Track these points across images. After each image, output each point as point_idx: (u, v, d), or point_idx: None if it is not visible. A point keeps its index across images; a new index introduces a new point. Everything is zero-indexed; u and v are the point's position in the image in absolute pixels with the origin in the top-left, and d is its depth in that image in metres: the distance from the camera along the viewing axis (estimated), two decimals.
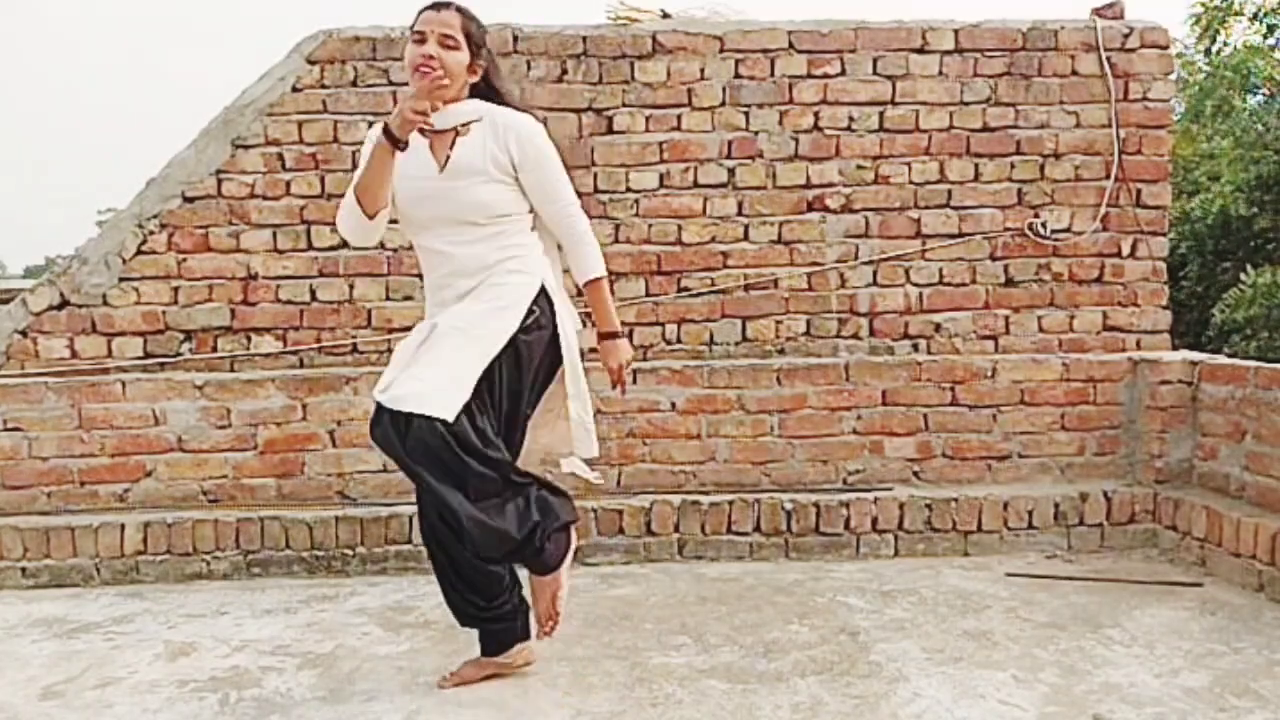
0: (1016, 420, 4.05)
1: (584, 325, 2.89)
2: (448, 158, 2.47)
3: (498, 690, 2.62)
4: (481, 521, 2.41)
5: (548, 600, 2.68)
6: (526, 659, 2.70)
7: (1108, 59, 4.22)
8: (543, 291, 2.55)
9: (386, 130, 2.36)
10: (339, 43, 4.13)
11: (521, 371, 2.51)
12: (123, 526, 3.71)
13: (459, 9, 2.46)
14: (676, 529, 3.85)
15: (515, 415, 2.56)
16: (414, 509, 3.73)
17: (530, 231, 2.60)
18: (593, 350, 2.78)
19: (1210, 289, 8.49)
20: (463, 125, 2.48)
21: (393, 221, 2.62)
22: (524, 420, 2.61)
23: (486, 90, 2.56)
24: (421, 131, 2.45)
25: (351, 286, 4.16)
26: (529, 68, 4.13)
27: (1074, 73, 4.24)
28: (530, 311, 2.49)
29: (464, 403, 2.37)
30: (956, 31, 4.23)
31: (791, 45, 4.20)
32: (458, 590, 2.58)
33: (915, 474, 4.05)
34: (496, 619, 2.62)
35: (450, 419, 2.35)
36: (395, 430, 2.38)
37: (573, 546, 2.72)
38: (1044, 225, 4.25)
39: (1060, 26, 4.25)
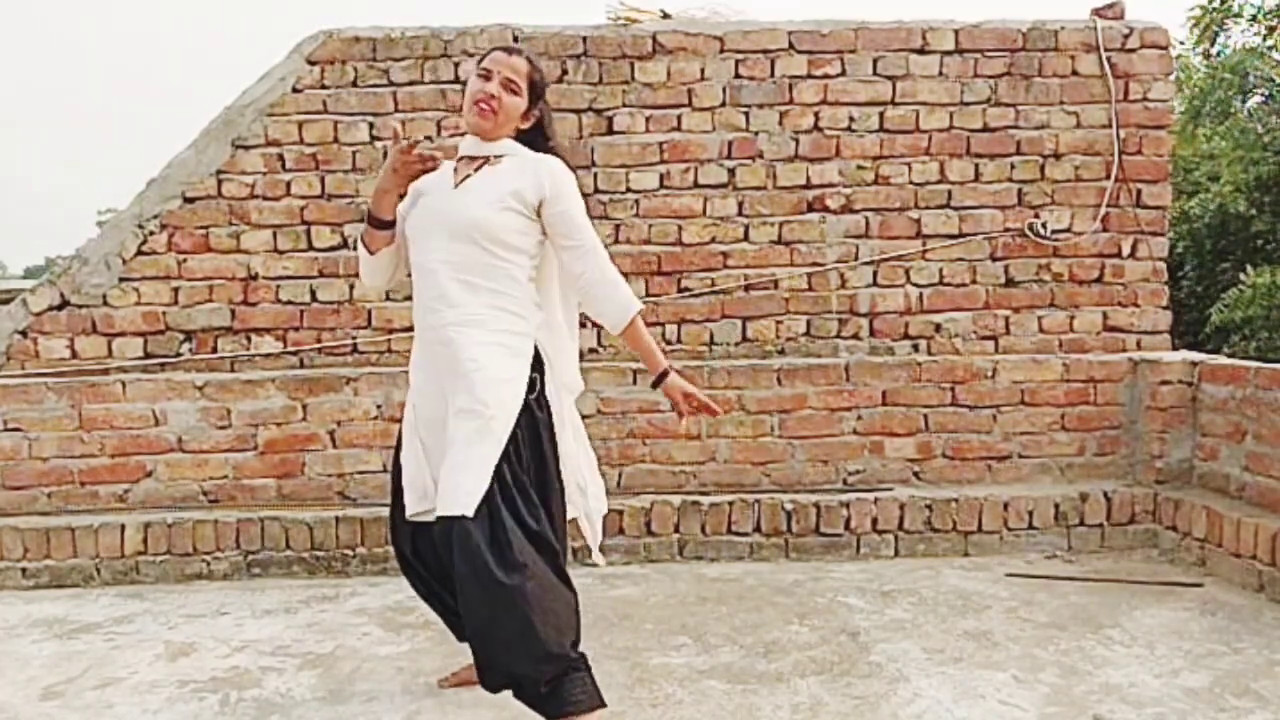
0: (1017, 420, 4.05)
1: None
2: (467, 177, 2.43)
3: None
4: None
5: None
6: None
7: (1108, 59, 4.22)
8: (536, 355, 2.40)
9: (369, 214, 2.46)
10: (339, 43, 4.13)
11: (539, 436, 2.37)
12: (123, 527, 3.71)
13: (529, 58, 2.48)
14: (677, 529, 3.85)
15: (546, 483, 2.37)
16: None
17: (528, 283, 2.42)
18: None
19: (1209, 289, 8.48)
20: (495, 156, 2.45)
21: None
22: (560, 488, 2.44)
23: (536, 137, 2.52)
24: (460, 158, 2.48)
25: (351, 287, 4.16)
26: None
27: (1074, 73, 4.25)
28: (531, 382, 2.36)
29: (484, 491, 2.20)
30: (956, 32, 4.23)
31: (791, 45, 4.20)
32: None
33: (915, 474, 4.05)
34: None
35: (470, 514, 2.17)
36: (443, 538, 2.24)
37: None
38: (1044, 225, 4.26)
39: (1060, 27, 4.25)
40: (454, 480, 2.22)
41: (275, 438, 3.91)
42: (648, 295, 4.20)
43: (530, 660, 2.16)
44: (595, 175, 4.17)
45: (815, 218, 4.24)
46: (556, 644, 2.18)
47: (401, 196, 2.48)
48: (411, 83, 4.12)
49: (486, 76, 2.42)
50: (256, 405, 3.90)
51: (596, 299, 2.42)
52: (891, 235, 4.26)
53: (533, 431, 2.34)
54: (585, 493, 2.56)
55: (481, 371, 2.28)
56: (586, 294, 2.43)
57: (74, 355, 4.09)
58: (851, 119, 4.23)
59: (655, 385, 2.50)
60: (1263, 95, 9.59)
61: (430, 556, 2.47)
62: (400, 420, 3.84)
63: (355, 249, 4.02)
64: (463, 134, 2.53)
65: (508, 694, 2.55)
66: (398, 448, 2.56)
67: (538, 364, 2.39)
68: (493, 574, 2.13)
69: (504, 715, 2.49)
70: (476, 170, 2.43)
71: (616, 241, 4.17)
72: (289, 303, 4.15)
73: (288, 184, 4.14)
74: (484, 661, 2.22)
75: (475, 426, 2.24)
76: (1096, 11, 4.34)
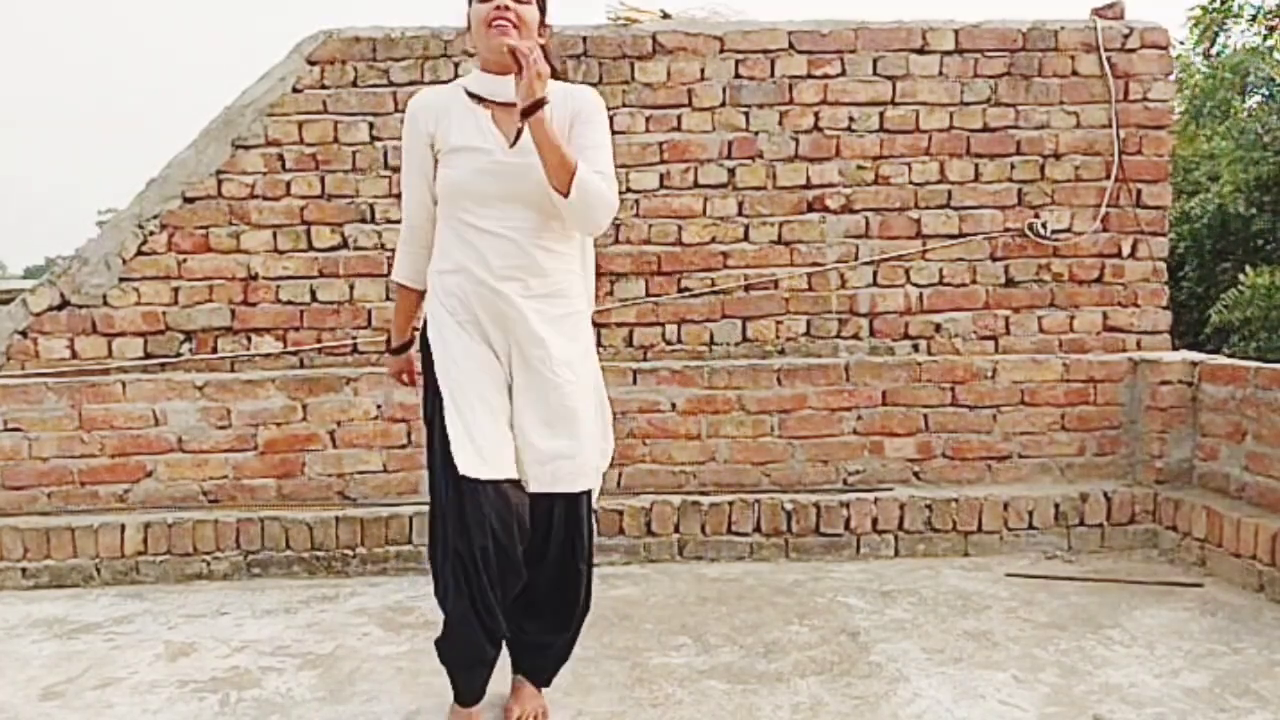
0: (1016, 420, 4.05)
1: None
2: (518, 132, 2.20)
3: (497, 690, 2.61)
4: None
5: (535, 711, 2.45)
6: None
7: (1108, 59, 4.22)
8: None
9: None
10: (339, 43, 4.13)
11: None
12: (123, 527, 3.71)
13: None
14: (677, 529, 3.85)
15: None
16: (414, 509, 3.76)
17: (578, 250, 2.42)
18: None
19: (1209, 290, 8.48)
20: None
21: (397, 221, 2.50)
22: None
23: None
24: (481, 101, 2.27)
25: (351, 287, 4.16)
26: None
27: (1074, 73, 4.25)
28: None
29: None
30: (956, 32, 4.23)
31: (791, 45, 4.20)
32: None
33: (915, 474, 4.05)
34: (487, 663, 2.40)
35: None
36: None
37: None
38: (1044, 225, 4.25)
39: (1060, 27, 4.25)
40: (579, 450, 2.28)
41: (275, 438, 3.91)
42: (648, 295, 4.20)
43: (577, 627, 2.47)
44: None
45: (815, 218, 4.24)
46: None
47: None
48: (411, 83, 4.11)
49: None
50: (256, 405, 3.90)
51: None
52: (891, 235, 4.25)
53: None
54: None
55: (575, 343, 2.33)
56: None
57: (74, 355, 4.09)
58: (851, 119, 4.22)
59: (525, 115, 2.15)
60: (1263, 95, 9.59)
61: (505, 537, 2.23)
62: (400, 420, 3.89)
63: (353, 249, 4.07)
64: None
65: (507, 694, 2.57)
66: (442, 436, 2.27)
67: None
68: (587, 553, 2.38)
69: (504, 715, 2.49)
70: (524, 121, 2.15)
71: (616, 241, 4.17)
72: (289, 303, 4.15)
73: (288, 184, 4.14)
74: (557, 638, 2.45)
75: (580, 401, 2.30)
76: (1096, 11, 4.34)
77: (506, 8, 2.17)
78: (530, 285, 2.26)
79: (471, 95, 2.29)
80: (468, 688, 2.37)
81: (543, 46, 2.24)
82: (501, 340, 2.29)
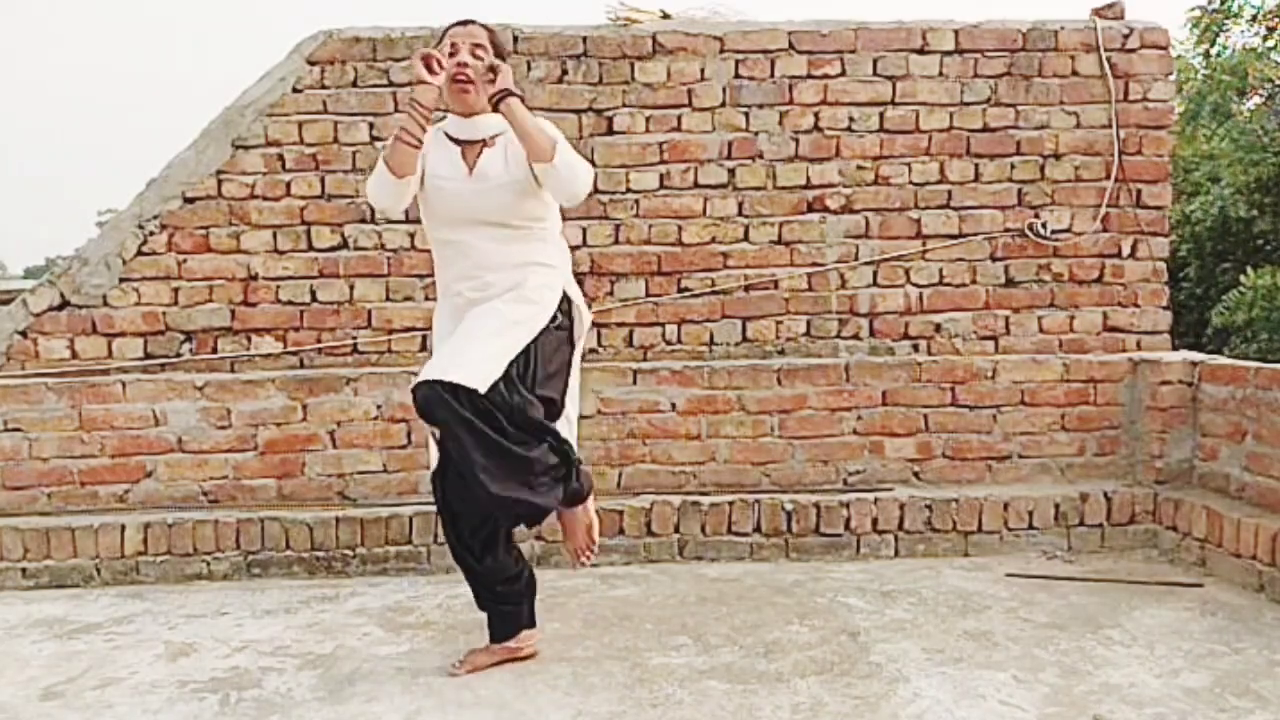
0: (1016, 421, 4.05)
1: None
2: (474, 165, 2.65)
3: (498, 690, 2.62)
4: (519, 453, 2.54)
5: (584, 532, 2.81)
6: (533, 648, 2.83)
7: (1108, 59, 4.22)
8: (565, 296, 2.73)
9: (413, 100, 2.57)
10: (339, 43, 4.13)
11: (554, 359, 2.68)
12: (123, 527, 3.71)
13: (483, 25, 2.68)
14: (677, 529, 3.85)
15: (551, 397, 2.68)
16: (414, 509, 3.77)
17: (558, 238, 2.80)
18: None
19: (1210, 291, 8.48)
20: (490, 138, 2.66)
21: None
22: (562, 404, 2.74)
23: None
24: (454, 140, 2.67)
25: (351, 287, 4.16)
26: (529, 68, 4.13)
27: (1074, 73, 4.25)
28: (555, 314, 2.67)
29: (496, 378, 2.51)
30: (956, 32, 4.23)
31: (791, 46, 4.20)
32: (474, 571, 2.74)
33: (915, 474, 4.05)
34: (507, 600, 2.78)
35: (483, 390, 2.48)
36: (437, 397, 2.50)
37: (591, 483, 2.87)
38: (1044, 226, 4.26)
39: (1060, 27, 4.25)
40: (463, 350, 2.54)
41: (275, 438, 3.91)
42: (648, 295, 4.20)
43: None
44: (595, 175, 4.15)
45: (815, 218, 4.24)
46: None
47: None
48: (411, 83, 4.10)
49: (454, 50, 2.60)
50: (256, 405, 3.90)
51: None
52: (891, 235, 4.25)
53: (561, 357, 2.70)
54: (573, 427, 2.80)
55: (517, 292, 2.63)
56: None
57: (74, 355, 4.09)
58: (851, 119, 4.22)
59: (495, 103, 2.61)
60: (1262, 96, 9.59)
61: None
62: (400, 420, 3.89)
63: (353, 249, 4.07)
64: (442, 117, 2.70)
65: (508, 694, 2.58)
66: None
67: (565, 302, 2.71)
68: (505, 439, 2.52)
69: (504, 715, 2.49)
70: (479, 155, 2.65)
71: (616, 242, 4.17)
72: (289, 303, 4.15)
73: (288, 184, 4.14)
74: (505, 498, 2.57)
75: (500, 324, 2.56)
76: (1096, 11, 4.34)
77: (465, 64, 2.59)
78: (488, 281, 2.63)
79: (448, 136, 2.69)
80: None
81: (493, 69, 2.61)
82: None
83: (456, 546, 2.73)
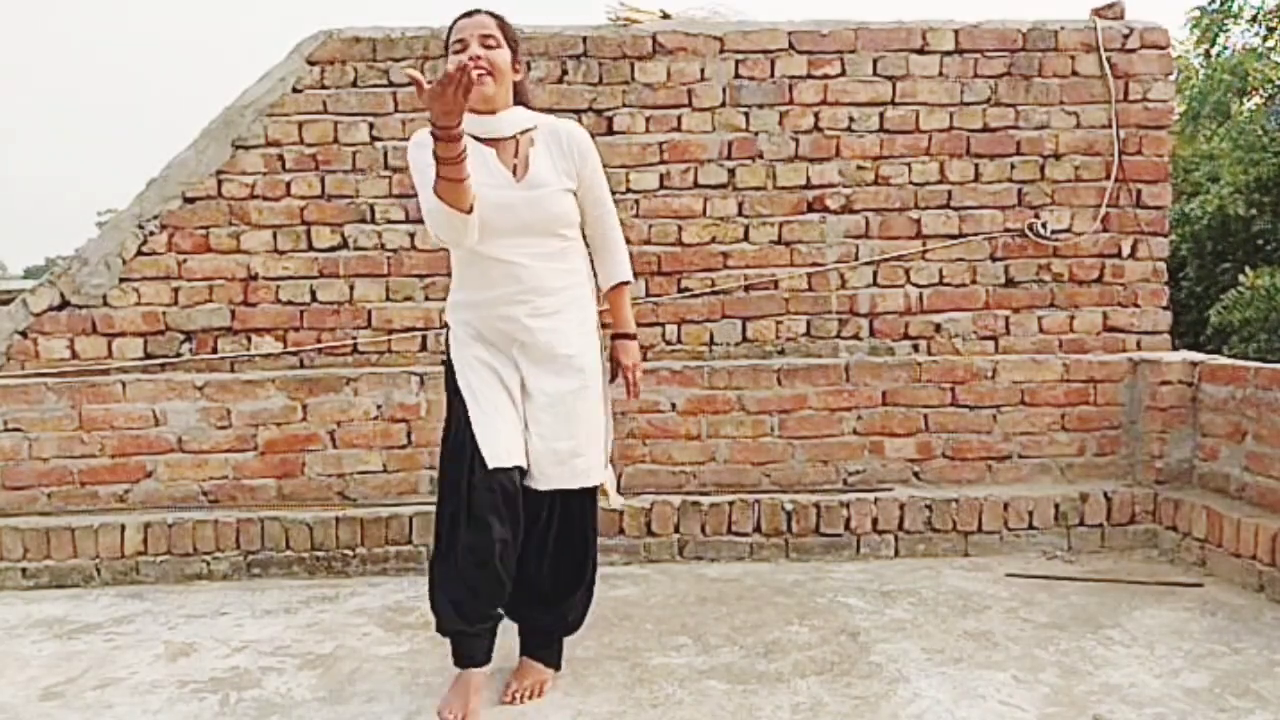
0: (1016, 421, 4.05)
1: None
2: (518, 167, 2.44)
3: (497, 690, 2.62)
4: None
5: (534, 685, 2.60)
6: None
7: (1108, 59, 4.22)
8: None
9: (433, 128, 2.15)
10: (339, 43, 4.13)
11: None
12: (123, 527, 3.71)
13: (489, 12, 2.48)
14: (677, 529, 3.85)
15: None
16: (414, 509, 3.77)
17: (586, 251, 2.64)
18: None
19: (1209, 291, 8.48)
20: (522, 133, 2.48)
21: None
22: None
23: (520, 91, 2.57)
24: (481, 140, 2.42)
25: (352, 287, 4.16)
26: (529, 68, 4.13)
27: (1074, 73, 4.25)
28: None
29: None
30: (956, 32, 4.23)
31: (791, 46, 4.20)
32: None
33: (915, 474, 4.05)
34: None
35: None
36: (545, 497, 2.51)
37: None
38: (1044, 226, 4.26)
39: (1060, 27, 4.25)
40: (583, 451, 2.51)
41: (275, 438, 3.91)
42: (648, 295, 4.20)
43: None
44: None
45: (815, 218, 4.24)
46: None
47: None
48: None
49: (463, 46, 2.41)
50: (256, 405, 3.90)
51: (611, 252, 2.63)
52: (891, 235, 4.26)
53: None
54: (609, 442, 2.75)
55: (582, 355, 2.53)
56: (603, 246, 2.63)
57: (74, 355, 4.09)
58: (851, 119, 4.23)
59: (615, 338, 2.71)
60: (1262, 96, 9.60)
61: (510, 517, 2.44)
62: (400, 420, 3.89)
63: (353, 249, 4.07)
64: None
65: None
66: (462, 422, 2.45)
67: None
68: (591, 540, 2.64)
69: (504, 716, 2.49)
70: (516, 154, 2.45)
71: None
72: (289, 303, 4.15)
73: (288, 184, 4.14)
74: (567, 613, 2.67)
75: (583, 400, 2.52)
76: (1096, 11, 4.34)
77: (478, 57, 2.38)
78: (539, 305, 2.46)
79: (470, 135, 2.35)
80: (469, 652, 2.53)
81: (517, 84, 2.52)
82: (511, 354, 2.50)
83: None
